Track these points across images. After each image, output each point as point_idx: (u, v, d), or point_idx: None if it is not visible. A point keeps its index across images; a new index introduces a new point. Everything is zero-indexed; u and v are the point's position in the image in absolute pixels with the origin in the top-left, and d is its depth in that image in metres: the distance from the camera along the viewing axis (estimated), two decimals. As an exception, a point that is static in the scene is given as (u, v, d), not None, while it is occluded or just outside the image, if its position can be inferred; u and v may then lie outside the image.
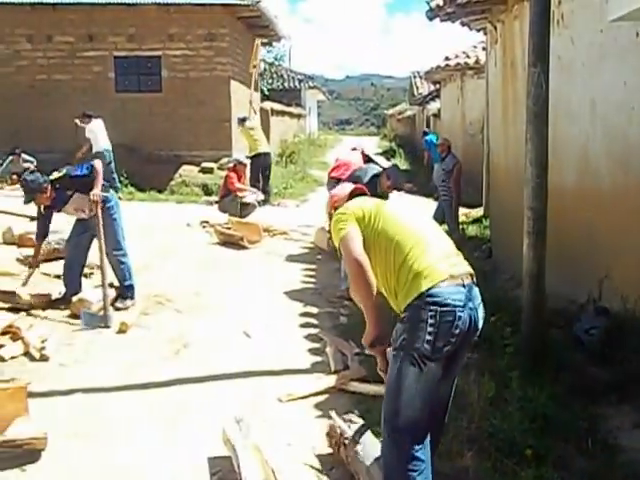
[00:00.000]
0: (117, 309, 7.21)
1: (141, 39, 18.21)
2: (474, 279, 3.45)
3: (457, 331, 3.25)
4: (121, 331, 6.64)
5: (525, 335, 5.64)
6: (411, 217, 3.64)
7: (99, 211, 6.93)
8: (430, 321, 3.21)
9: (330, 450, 4.25)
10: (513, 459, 4.01)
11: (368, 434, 3.99)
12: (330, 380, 5.40)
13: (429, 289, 3.24)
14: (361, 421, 4.19)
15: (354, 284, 3.47)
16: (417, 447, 3.29)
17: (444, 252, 3.48)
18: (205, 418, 4.80)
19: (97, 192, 6.90)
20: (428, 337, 3.21)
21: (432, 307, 3.22)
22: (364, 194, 3.98)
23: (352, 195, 3.94)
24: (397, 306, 3.45)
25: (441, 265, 3.34)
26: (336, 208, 3.81)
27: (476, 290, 3.44)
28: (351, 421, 4.20)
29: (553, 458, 4.07)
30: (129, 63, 18.32)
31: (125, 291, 7.43)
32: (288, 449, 4.43)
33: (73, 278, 7.37)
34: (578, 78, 6.98)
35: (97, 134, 14.86)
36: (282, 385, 5.33)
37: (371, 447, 3.86)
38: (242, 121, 16.32)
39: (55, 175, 7.09)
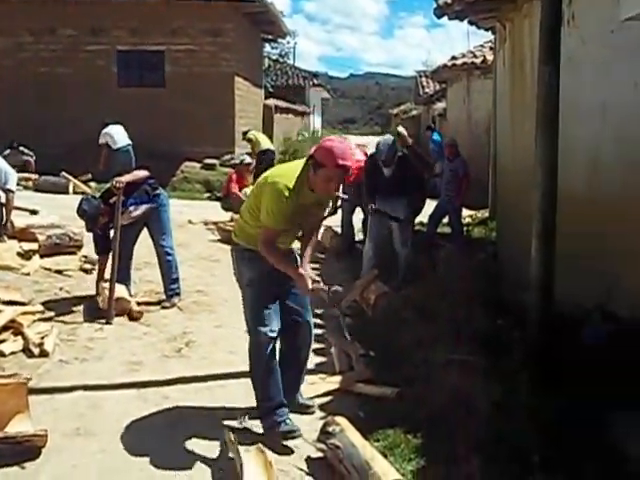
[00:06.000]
0: (164, 308, 7.30)
1: (144, 33, 18.17)
2: None
3: None
4: (134, 318, 6.84)
5: (532, 339, 5.56)
6: None
7: (119, 198, 6.88)
8: None
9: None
10: (521, 465, 3.94)
11: None
12: (335, 381, 5.34)
13: None
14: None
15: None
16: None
17: None
18: (208, 418, 4.75)
19: (121, 179, 6.89)
20: None
21: None
22: None
23: None
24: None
25: None
26: None
27: None
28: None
29: (562, 465, 4.00)
30: (132, 57, 18.31)
31: (170, 284, 7.47)
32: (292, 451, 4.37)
33: (123, 269, 7.26)
34: (588, 79, 6.90)
35: (113, 136, 14.86)
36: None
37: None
38: (245, 134, 16.32)
39: (103, 190, 7.15)
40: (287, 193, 4.16)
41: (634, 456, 4.47)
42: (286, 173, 4.32)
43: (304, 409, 4.89)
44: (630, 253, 6.01)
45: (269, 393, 4.53)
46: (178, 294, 7.51)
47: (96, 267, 7.67)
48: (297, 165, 4.41)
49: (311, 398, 5.06)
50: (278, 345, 4.68)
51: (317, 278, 4.44)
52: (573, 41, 7.00)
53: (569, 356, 5.73)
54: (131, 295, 7.20)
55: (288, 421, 4.48)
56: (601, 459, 4.24)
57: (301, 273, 4.36)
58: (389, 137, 8.60)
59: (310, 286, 4.34)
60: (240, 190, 12.67)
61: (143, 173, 7.23)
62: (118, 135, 14.92)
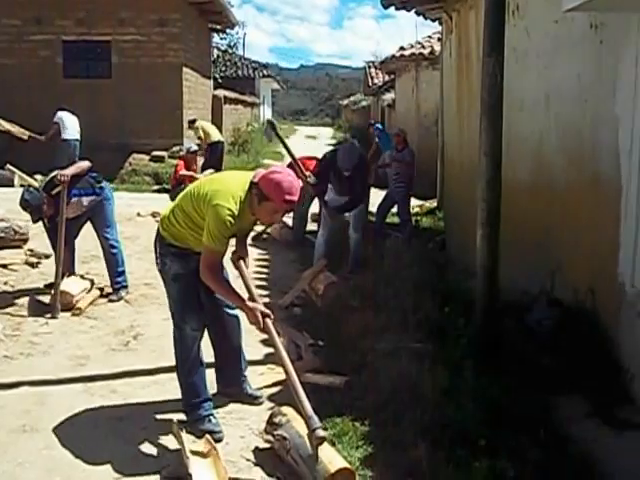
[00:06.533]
0: (111, 301, 7.23)
1: (90, 23, 17.85)
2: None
3: None
4: (75, 315, 6.68)
5: (478, 326, 5.65)
6: None
7: (64, 192, 6.80)
8: None
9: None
10: (467, 450, 4.00)
11: None
12: (283, 371, 5.33)
13: None
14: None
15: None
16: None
17: None
18: (154, 411, 4.71)
19: (65, 172, 6.82)
20: None
21: None
22: None
23: None
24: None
25: None
26: None
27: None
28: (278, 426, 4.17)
29: (506, 449, 4.07)
30: (78, 48, 17.97)
31: (117, 277, 7.41)
32: (239, 441, 4.37)
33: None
34: (533, 70, 7.00)
35: (65, 122, 14.62)
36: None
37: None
38: (192, 122, 16.14)
39: (46, 181, 7.00)
40: (232, 219, 4.08)
41: (576, 438, 4.58)
42: (229, 193, 4.15)
43: (252, 400, 4.90)
44: (572, 240, 6.13)
45: (194, 387, 4.52)
46: (125, 287, 7.45)
47: (42, 261, 7.55)
48: (239, 183, 4.24)
49: (259, 389, 5.07)
50: (210, 338, 4.73)
51: (268, 311, 4.24)
52: (518, 32, 7.10)
53: (515, 341, 5.84)
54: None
55: (212, 418, 4.47)
56: (544, 442, 4.33)
57: (251, 306, 4.21)
58: (349, 144, 8.78)
59: (261, 322, 4.17)
60: (191, 178, 12.63)
61: (86, 164, 7.13)
62: (70, 128, 14.69)
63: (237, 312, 4.75)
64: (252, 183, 4.19)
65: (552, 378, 5.41)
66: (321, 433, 3.69)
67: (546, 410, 4.91)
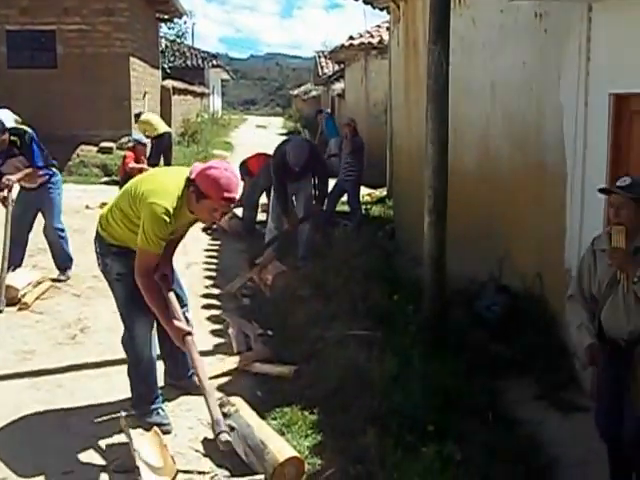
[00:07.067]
0: (59, 281, 7.43)
1: (34, 12, 17.42)
2: None
3: None
4: (21, 309, 6.57)
5: (427, 313, 5.69)
6: None
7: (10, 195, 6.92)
8: None
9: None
10: (415, 435, 4.03)
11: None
12: (233, 361, 5.32)
13: None
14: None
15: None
16: None
17: None
18: (102, 405, 4.64)
19: (12, 177, 6.89)
20: None
21: None
22: None
23: None
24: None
25: None
26: None
27: None
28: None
29: (455, 433, 4.11)
30: (22, 37, 17.51)
31: (62, 261, 7.61)
32: (188, 432, 4.34)
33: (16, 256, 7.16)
34: (479, 59, 7.05)
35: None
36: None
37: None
38: (137, 116, 15.92)
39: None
40: (168, 218, 3.92)
41: (523, 421, 4.66)
42: (165, 191, 3.99)
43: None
44: (519, 227, 6.21)
45: (144, 384, 4.44)
46: (70, 267, 7.62)
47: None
48: (176, 181, 4.06)
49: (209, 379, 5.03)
50: (157, 330, 4.59)
51: (190, 329, 4.10)
52: (464, 21, 7.14)
53: (464, 328, 5.91)
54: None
55: (161, 411, 4.42)
56: (492, 425, 4.39)
57: (175, 325, 4.05)
58: (297, 140, 8.80)
59: (182, 343, 4.04)
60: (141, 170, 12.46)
61: (32, 171, 7.08)
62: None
63: (185, 303, 4.67)
64: (189, 180, 4.00)
65: (501, 363, 5.49)
66: (224, 438, 3.54)
67: (494, 394, 4.98)
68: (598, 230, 4.05)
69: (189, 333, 4.04)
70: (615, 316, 3.52)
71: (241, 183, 7.52)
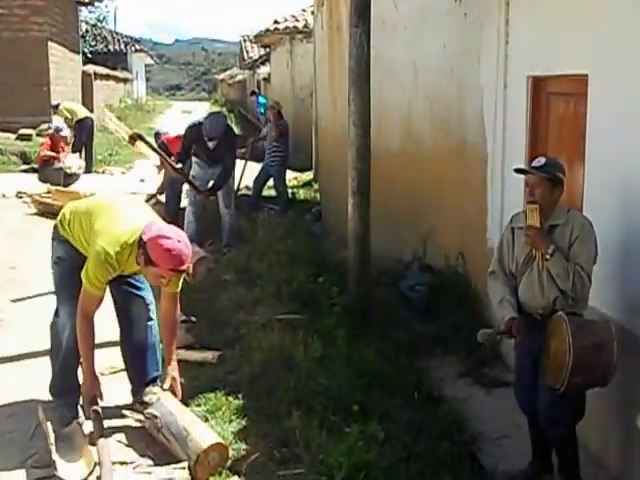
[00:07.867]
0: None
1: (-54, -5, 16.78)
2: None
3: None
4: None
5: (352, 294, 5.71)
6: None
7: None
8: None
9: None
10: (340, 416, 4.04)
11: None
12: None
13: None
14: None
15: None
16: None
17: None
18: (19, 398, 4.50)
19: None
20: None
21: None
22: None
23: None
24: None
25: None
26: None
27: None
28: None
29: (380, 412, 4.13)
30: None
31: None
32: (111, 423, 4.24)
33: None
34: (401, 41, 7.09)
35: None
36: (104, 358, 5.09)
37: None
38: (55, 107, 15.50)
39: None
40: (111, 267, 3.82)
41: (448, 398, 4.73)
42: (117, 238, 3.83)
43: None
44: (442, 207, 6.29)
45: (63, 373, 4.31)
46: None
47: None
48: (131, 230, 3.87)
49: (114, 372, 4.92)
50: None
51: (100, 393, 4.03)
52: (386, 4, 7.15)
53: (390, 308, 5.96)
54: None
55: (77, 405, 4.28)
56: (417, 404, 4.43)
57: (91, 380, 4.00)
58: (218, 114, 8.66)
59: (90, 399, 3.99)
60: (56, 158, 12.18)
61: None
62: None
63: (147, 293, 4.40)
64: (141, 239, 3.81)
65: (426, 342, 5.56)
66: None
67: (420, 373, 5.04)
68: (519, 209, 4.12)
69: (100, 396, 4.03)
70: (531, 291, 3.64)
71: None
